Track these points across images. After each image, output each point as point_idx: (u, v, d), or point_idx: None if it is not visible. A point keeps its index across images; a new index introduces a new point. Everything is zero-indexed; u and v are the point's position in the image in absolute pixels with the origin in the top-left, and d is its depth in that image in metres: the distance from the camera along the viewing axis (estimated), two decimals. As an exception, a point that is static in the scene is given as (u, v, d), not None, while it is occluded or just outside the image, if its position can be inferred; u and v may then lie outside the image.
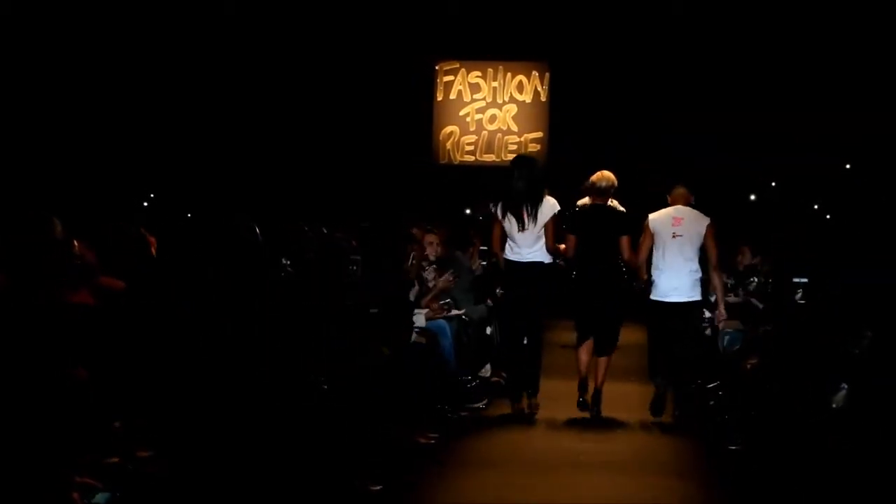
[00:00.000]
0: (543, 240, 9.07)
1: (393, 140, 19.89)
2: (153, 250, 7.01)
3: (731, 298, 9.88)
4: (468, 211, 20.99)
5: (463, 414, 9.15)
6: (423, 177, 19.36)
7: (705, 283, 9.11)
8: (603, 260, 9.14)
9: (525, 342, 9.33)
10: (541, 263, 9.11)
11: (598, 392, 9.23)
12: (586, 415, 9.24)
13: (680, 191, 9.16)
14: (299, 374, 6.97)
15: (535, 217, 9.03)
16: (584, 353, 9.33)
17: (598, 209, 9.21)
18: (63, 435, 5.27)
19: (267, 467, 6.38)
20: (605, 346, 9.33)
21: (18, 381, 5.21)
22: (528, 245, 9.08)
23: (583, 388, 9.25)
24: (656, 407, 9.12)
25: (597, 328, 9.29)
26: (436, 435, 8.15)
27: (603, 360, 9.30)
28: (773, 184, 26.77)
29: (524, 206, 9.04)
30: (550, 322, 11.10)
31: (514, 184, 9.08)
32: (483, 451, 8.03)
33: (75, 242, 6.13)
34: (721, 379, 9.46)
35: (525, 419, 9.13)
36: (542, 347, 9.68)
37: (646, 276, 9.10)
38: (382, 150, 20.22)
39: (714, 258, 8.97)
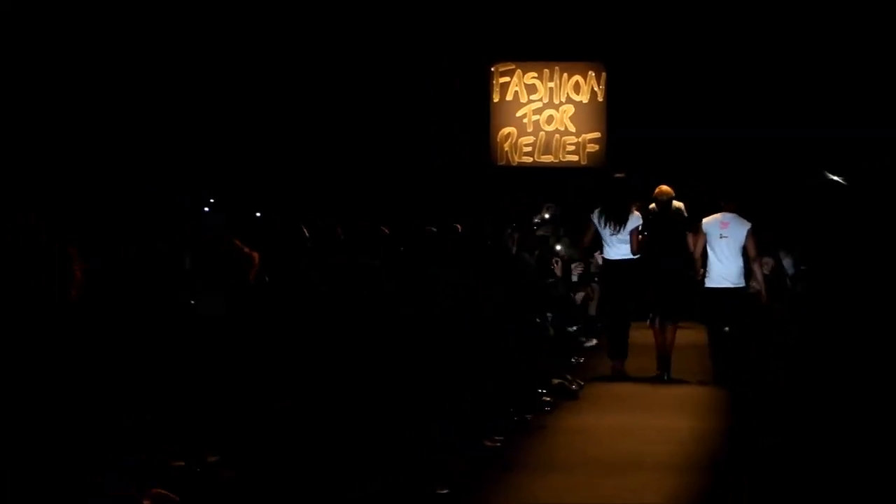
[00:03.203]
0: (629, 242, 11.62)
1: (451, 142, 19.88)
2: (253, 270, 7.07)
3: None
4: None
5: (527, 417, 9.24)
6: (484, 178, 19.37)
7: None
8: (667, 253, 11.61)
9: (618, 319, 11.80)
10: (628, 259, 11.67)
11: (667, 359, 11.49)
12: (652, 417, 9.44)
13: (730, 204, 11.44)
14: (366, 377, 7.09)
15: (624, 225, 11.64)
16: (658, 328, 11.63)
17: (661, 215, 11.69)
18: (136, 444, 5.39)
19: (335, 470, 6.47)
20: (672, 315, 11.58)
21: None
22: (618, 244, 11.67)
23: (660, 361, 11.53)
24: (716, 375, 11.17)
25: (664, 303, 11.58)
26: (501, 438, 8.24)
27: (671, 328, 11.56)
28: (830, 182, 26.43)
29: (616, 217, 11.67)
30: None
31: (610, 198, 11.82)
32: (548, 454, 8.12)
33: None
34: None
35: (591, 419, 9.30)
36: (629, 325, 11.89)
37: (701, 269, 11.43)
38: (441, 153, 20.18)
39: (753, 255, 11.24)
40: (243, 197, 18.27)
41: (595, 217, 11.86)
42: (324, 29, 19.17)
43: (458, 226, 11.31)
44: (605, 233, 11.80)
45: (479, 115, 18.98)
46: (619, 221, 11.70)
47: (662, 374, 11.53)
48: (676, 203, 11.79)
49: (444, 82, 19.48)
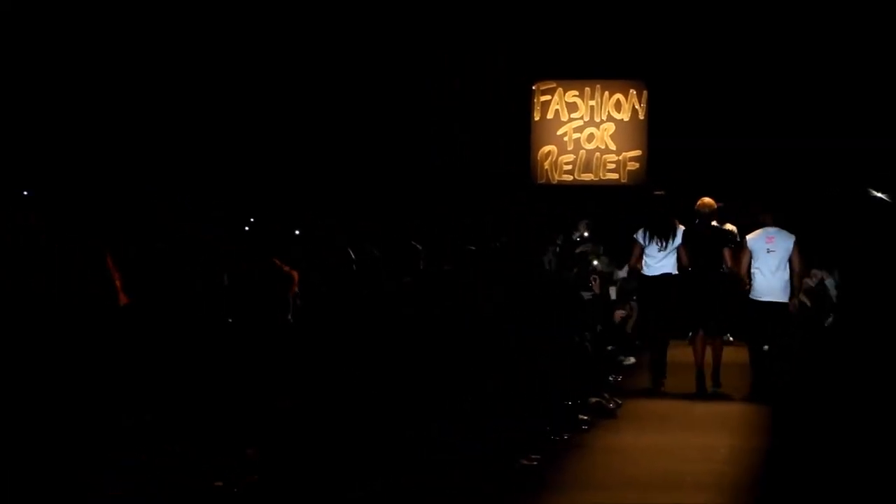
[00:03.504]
0: (674, 257, 11.85)
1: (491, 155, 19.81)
2: (293, 288, 7.10)
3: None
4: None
5: (565, 435, 9.19)
6: (523, 195, 19.32)
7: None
8: (709, 266, 11.64)
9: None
10: (668, 274, 11.87)
11: (716, 371, 11.53)
12: (691, 435, 9.38)
13: (769, 216, 11.56)
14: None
15: (670, 241, 11.86)
16: (699, 344, 11.63)
17: (703, 228, 11.69)
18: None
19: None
20: (716, 329, 11.68)
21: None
22: (662, 261, 11.86)
23: (699, 378, 11.46)
24: (755, 390, 11.26)
25: (707, 318, 11.58)
26: (538, 456, 8.20)
27: (717, 342, 11.67)
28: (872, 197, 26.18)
29: (662, 233, 11.88)
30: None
31: (655, 215, 12.11)
32: (585, 473, 8.07)
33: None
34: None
35: (629, 439, 9.22)
36: (668, 343, 12.10)
37: (747, 283, 11.49)
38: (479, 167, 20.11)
39: (798, 267, 11.38)
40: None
41: (640, 235, 12.03)
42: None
43: (497, 243, 11.33)
44: (652, 249, 11.96)
45: (520, 131, 18.93)
46: (665, 237, 11.89)
47: (701, 392, 11.47)
48: (729, 226, 11.87)
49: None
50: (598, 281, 13.98)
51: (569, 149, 18.79)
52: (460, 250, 10.35)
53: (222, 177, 19.13)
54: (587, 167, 18.69)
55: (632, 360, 13.66)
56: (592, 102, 18.77)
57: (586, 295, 13.32)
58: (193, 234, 8.12)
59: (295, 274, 7.15)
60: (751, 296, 11.52)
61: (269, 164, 19.68)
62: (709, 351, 11.71)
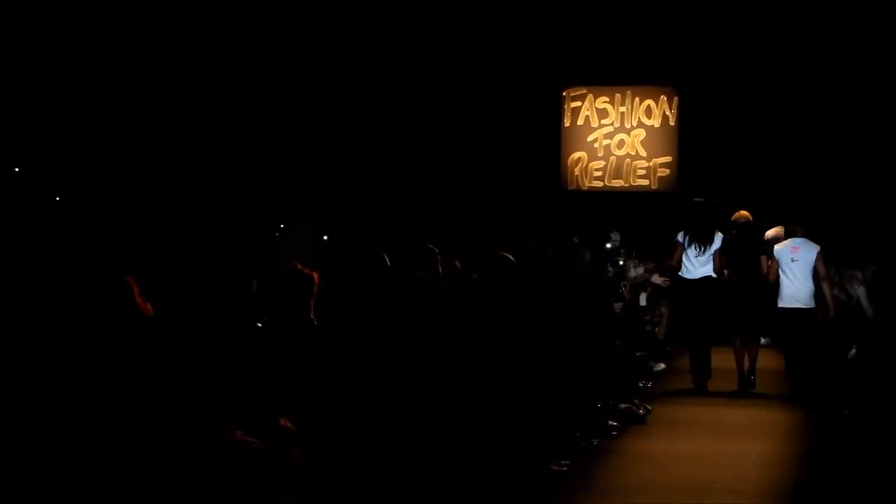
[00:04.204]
0: (712, 262, 12.31)
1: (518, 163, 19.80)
2: (314, 289, 7.14)
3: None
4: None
5: (594, 441, 9.20)
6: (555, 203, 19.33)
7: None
8: (746, 273, 12.25)
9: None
10: (709, 278, 12.34)
11: (751, 373, 12.12)
12: (720, 442, 9.39)
13: (797, 228, 12.19)
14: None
15: (709, 246, 12.34)
16: (738, 346, 12.20)
17: (740, 238, 12.34)
18: None
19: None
20: (752, 335, 12.24)
21: None
22: (701, 265, 12.32)
23: (741, 377, 12.14)
24: (794, 380, 11.83)
25: (747, 323, 12.17)
26: (567, 462, 8.22)
27: (753, 348, 12.20)
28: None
29: (701, 239, 12.35)
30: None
31: (695, 221, 12.51)
32: (615, 479, 8.07)
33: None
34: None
35: (660, 446, 9.23)
36: (711, 343, 12.42)
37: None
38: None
39: (822, 275, 11.81)
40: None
41: (681, 237, 12.53)
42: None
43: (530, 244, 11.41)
44: (690, 253, 12.43)
45: (550, 138, 18.96)
46: (703, 242, 12.36)
47: (743, 390, 12.11)
48: (772, 232, 12.63)
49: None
50: (628, 287, 14.05)
51: (599, 155, 18.83)
52: (489, 254, 10.34)
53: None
54: (617, 173, 18.72)
55: (662, 365, 13.67)
56: (623, 109, 18.79)
57: (617, 306, 13.50)
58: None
59: (315, 275, 7.17)
60: (779, 303, 12.04)
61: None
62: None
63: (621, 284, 13.99)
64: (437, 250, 8.94)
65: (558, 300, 9.50)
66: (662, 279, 14.43)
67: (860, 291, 12.33)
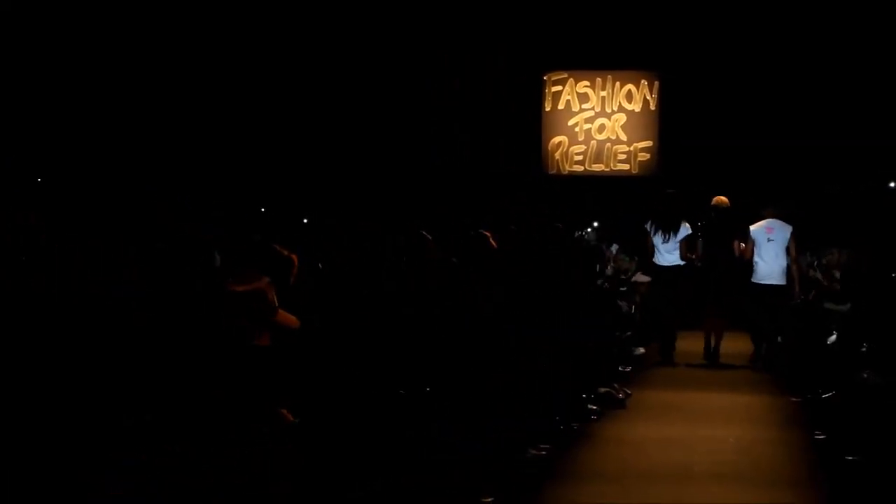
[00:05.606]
0: (678, 251, 12.99)
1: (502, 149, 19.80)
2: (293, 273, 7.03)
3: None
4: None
5: (574, 425, 9.20)
6: (531, 187, 19.32)
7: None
8: (722, 255, 12.89)
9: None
10: (679, 266, 13.03)
11: (717, 347, 13.00)
12: (699, 426, 9.39)
13: (770, 210, 12.96)
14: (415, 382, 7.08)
15: (674, 235, 12.98)
16: (710, 323, 13.11)
17: (717, 223, 13.01)
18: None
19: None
20: (722, 313, 13.06)
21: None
22: (668, 251, 13.03)
23: (707, 349, 13.06)
24: (755, 359, 12.87)
25: (721, 300, 13.00)
26: (547, 446, 8.21)
27: (720, 322, 13.04)
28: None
29: (667, 227, 13.02)
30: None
31: (662, 210, 13.17)
32: (594, 463, 8.08)
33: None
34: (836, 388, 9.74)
35: (636, 432, 9.23)
36: (676, 328, 13.25)
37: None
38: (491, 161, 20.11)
39: (794, 254, 12.67)
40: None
41: (648, 226, 13.22)
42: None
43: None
44: (657, 241, 13.14)
45: (530, 123, 18.92)
46: (668, 230, 13.05)
47: (709, 362, 12.96)
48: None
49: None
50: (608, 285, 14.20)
51: (580, 139, 18.78)
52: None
53: (222, 177, 19.20)
54: (598, 158, 18.68)
55: (641, 350, 13.69)
56: (604, 93, 18.74)
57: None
58: (193, 234, 8.10)
59: (294, 257, 7.01)
60: (752, 279, 12.80)
61: (269, 165, 19.74)
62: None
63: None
64: (429, 237, 8.89)
65: (558, 300, 9.43)
66: (646, 279, 14.54)
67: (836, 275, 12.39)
